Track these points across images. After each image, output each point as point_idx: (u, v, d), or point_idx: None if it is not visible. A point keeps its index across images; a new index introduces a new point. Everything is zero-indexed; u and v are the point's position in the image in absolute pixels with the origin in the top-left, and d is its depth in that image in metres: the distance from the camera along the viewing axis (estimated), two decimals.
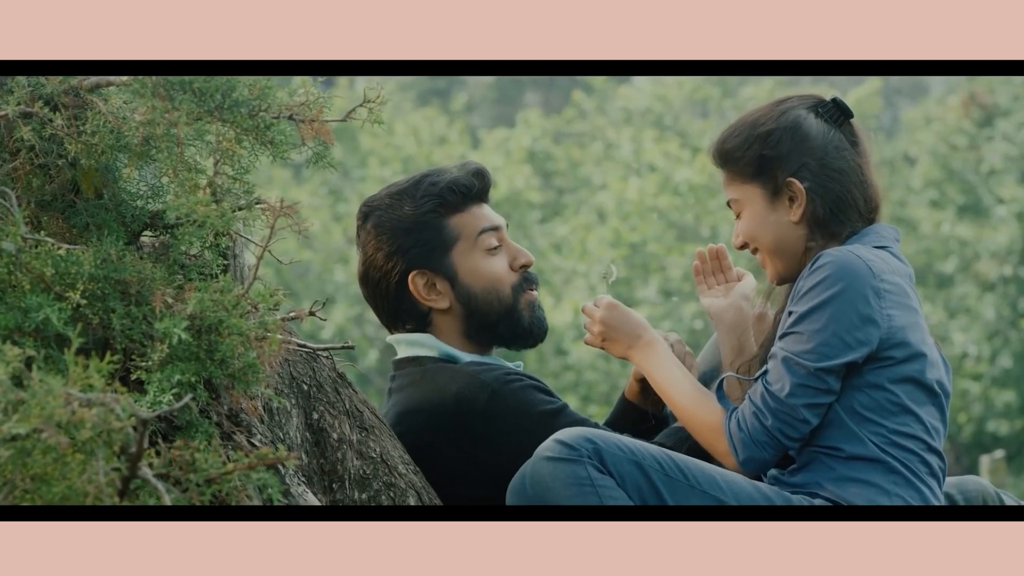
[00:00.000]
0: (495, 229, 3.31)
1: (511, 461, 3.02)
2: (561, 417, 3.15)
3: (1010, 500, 3.33)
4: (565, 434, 2.92)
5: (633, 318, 3.19)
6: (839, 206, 3.10)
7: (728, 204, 3.17)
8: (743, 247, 3.15)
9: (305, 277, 18.97)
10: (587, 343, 3.24)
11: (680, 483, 2.94)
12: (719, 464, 3.07)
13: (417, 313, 3.30)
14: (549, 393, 3.21)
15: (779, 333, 3.02)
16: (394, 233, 3.27)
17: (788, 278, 3.12)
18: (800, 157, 3.09)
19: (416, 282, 3.28)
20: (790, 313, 3.01)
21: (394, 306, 3.31)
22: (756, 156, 3.09)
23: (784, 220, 3.10)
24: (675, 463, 2.96)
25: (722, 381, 3.12)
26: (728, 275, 3.40)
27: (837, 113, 3.13)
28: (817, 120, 3.11)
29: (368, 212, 3.31)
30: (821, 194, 3.08)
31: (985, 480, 3.35)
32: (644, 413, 3.42)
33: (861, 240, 3.08)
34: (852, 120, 3.15)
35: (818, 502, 2.97)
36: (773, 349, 3.00)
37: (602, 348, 3.21)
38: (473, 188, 3.30)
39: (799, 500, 2.97)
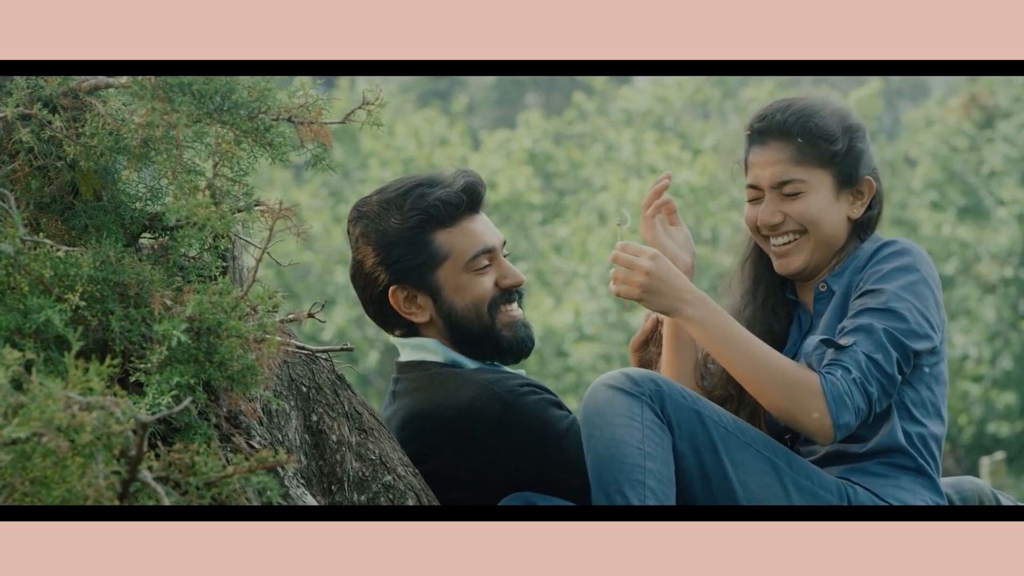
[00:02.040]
0: (487, 252, 3.23)
1: (515, 473, 3.00)
2: (570, 433, 3.11)
3: (1007, 501, 3.33)
4: (633, 370, 2.91)
5: (679, 271, 3.01)
6: (876, 217, 3.14)
7: (781, 185, 3.06)
8: (775, 226, 3.09)
9: (306, 278, 18.98)
10: (621, 295, 2.99)
11: (737, 438, 2.91)
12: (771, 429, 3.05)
13: (402, 322, 3.27)
14: (560, 406, 3.17)
15: (857, 308, 2.98)
16: (379, 245, 3.21)
17: (811, 273, 3.10)
18: (871, 160, 3.13)
19: (396, 296, 3.23)
20: (866, 292, 2.98)
21: (380, 312, 3.27)
22: (847, 145, 3.08)
23: (843, 214, 3.09)
24: (734, 420, 2.94)
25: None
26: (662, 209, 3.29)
27: None
28: None
29: (358, 217, 3.25)
30: (879, 198, 3.10)
31: (981, 481, 3.35)
32: None
33: (875, 244, 3.09)
34: None
35: (862, 493, 2.97)
36: (861, 321, 2.94)
37: (639, 300, 2.98)
38: (462, 204, 3.20)
39: (841, 484, 2.97)
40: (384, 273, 3.22)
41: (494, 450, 3.12)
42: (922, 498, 2.99)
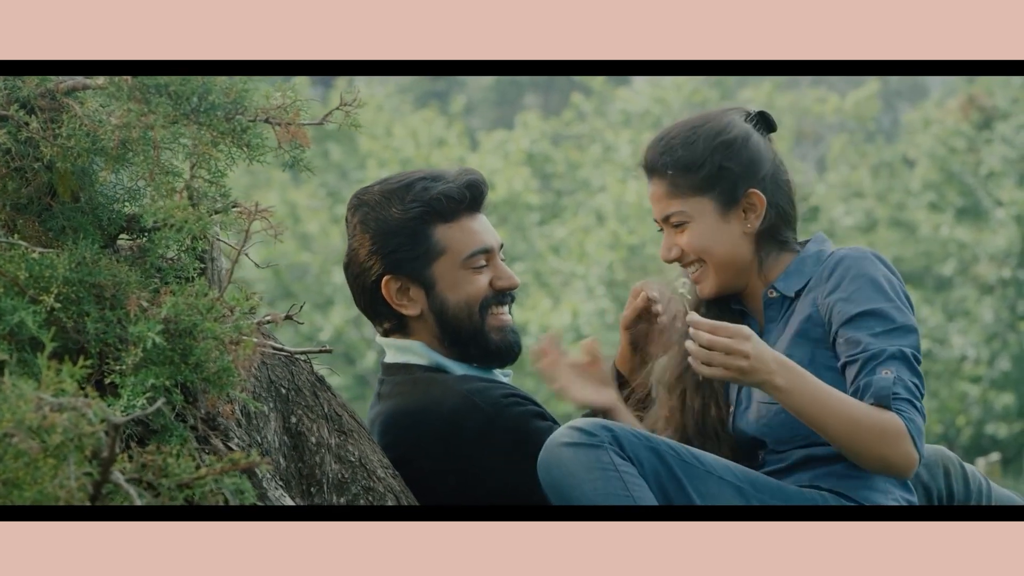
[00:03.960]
0: (485, 252, 3.22)
1: (497, 485, 2.99)
2: None
3: (972, 470, 3.31)
4: (579, 421, 2.87)
5: (763, 342, 2.89)
6: (787, 217, 3.10)
7: (666, 219, 3.06)
8: (676, 260, 3.08)
9: (304, 279, 18.99)
10: (717, 376, 2.87)
11: (696, 468, 2.88)
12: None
13: (392, 314, 3.25)
14: (544, 416, 3.14)
15: (872, 329, 2.93)
16: (377, 234, 3.20)
17: (727, 291, 3.08)
18: (758, 168, 3.07)
19: (389, 286, 3.21)
20: (867, 313, 2.94)
21: (371, 303, 3.26)
22: (717, 167, 3.04)
23: (736, 232, 3.06)
24: (686, 449, 2.92)
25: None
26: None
27: (765, 126, 3.13)
28: (756, 132, 3.10)
29: (357, 205, 3.24)
30: (775, 205, 3.08)
31: (944, 447, 3.34)
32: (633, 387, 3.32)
33: (820, 246, 3.08)
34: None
35: (831, 499, 2.95)
36: (888, 347, 2.90)
37: (732, 378, 2.86)
38: (464, 201, 3.20)
39: (807, 493, 2.95)
40: (379, 263, 3.21)
41: (476, 462, 3.09)
42: (894, 496, 2.99)
